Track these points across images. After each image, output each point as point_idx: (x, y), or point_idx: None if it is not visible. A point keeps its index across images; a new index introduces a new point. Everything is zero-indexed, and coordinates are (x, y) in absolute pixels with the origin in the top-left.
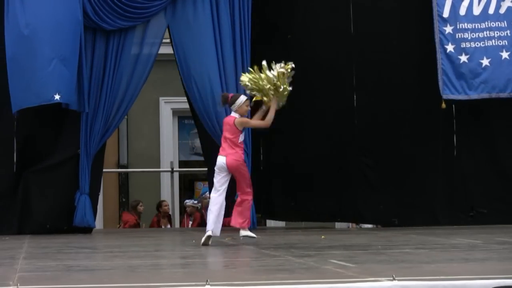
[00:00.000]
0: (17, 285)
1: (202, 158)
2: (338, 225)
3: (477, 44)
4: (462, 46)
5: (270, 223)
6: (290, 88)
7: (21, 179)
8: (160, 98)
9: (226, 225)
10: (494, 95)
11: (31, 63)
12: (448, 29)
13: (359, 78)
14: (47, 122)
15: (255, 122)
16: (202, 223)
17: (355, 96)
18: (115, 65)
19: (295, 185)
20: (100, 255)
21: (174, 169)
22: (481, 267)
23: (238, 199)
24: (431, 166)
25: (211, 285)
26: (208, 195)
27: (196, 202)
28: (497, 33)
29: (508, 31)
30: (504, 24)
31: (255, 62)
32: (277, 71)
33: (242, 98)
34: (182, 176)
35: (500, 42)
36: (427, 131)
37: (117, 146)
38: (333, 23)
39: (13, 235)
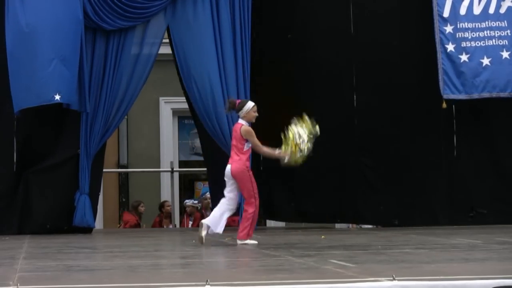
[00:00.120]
0: (17, 285)
1: (202, 158)
2: (338, 225)
3: (478, 44)
4: (462, 45)
5: (270, 223)
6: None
7: (21, 179)
8: (160, 98)
9: (226, 226)
10: (494, 94)
11: (31, 63)
12: (449, 28)
13: (359, 78)
14: (47, 122)
15: (257, 141)
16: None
17: (355, 96)
18: (115, 65)
19: (295, 186)
20: (100, 255)
21: (174, 169)
22: (481, 267)
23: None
24: (431, 166)
25: (211, 285)
26: (208, 195)
27: (196, 202)
28: (497, 33)
29: (509, 31)
30: (504, 23)
31: (255, 62)
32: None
33: (250, 104)
34: (182, 176)
35: (500, 42)
36: (427, 132)
37: (117, 146)
38: (333, 23)
39: (13, 235)
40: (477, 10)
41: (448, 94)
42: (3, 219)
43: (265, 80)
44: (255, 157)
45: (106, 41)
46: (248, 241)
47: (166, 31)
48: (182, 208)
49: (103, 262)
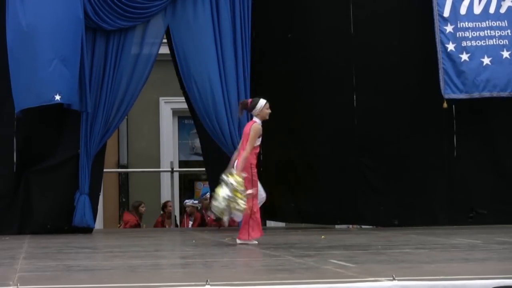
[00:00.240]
0: (17, 285)
1: (202, 158)
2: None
3: (478, 43)
4: (463, 44)
5: (270, 223)
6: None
7: (21, 179)
8: (160, 98)
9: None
10: (495, 94)
11: (31, 63)
12: (449, 28)
13: (359, 79)
14: (48, 122)
15: (253, 142)
16: (202, 223)
17: (355, 97)
18: (115, 65)
19: (295, 186)
20: (100, 255)
21: (174, 169)
22: (481, 267)
23: None
24: (431, 166)
25: (211, 285)
26: (208, 195)
27: (196, 202)
28: (497, 32)
29: (509, 31)
30: (504, 23)
31: (255, 62)
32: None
33: (262, 101)
34: (182, 176)
35: (501, 42)
36: (427, 132)
37: (117, 146)
38: (333, 23)
39: (13, 235)
40: (477, 9)
41: (449, 93)
42: (4, 219)
43: (265, 80)
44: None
45: (106, 41)
46: (249, 242)
47: (166, 31)
48: (182, 208)
49: (103, 262)
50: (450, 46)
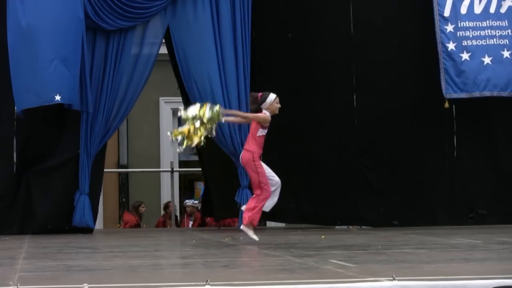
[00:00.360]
0: (17, 285)
1: None
2: None
3: (479, 42)
4: (463, 44)
5: (270, 223)
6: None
7: (22, 179)
8: (160, 98)
9: (226, 225)
10: (495, 93)
11: (32, 64)
12: (449, 27)
13: (359, 79)
14: (48, 122)
15: (252, 116)
16: (202, 223)
17: (355, 97)
18: (115, 65)
19: (295, 187)
20: (100, 255)
21: (174, 169)
22: (481, 267)
23: None
24: (431, 167)
25: (211, 285)
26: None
27: (196, 202)
28: (498, 32)
29: (509, 30)
30: (505, 23)
31: (255, 62)
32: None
33: (272, 95)
34: (182, 176)
35: (501, 41)
36: (427, 132)
37: (117, 146)
38: (333, 23)
39: (13, 235)
40: (477, 9)
41: (450, 93)
42: (4, 220)
43: (265, 80)
44: None
45: (106, 41)
46: (250, 233)
47: (166, 31)
48: (182, 208)
49: (103, 262)
50: (451, 46)
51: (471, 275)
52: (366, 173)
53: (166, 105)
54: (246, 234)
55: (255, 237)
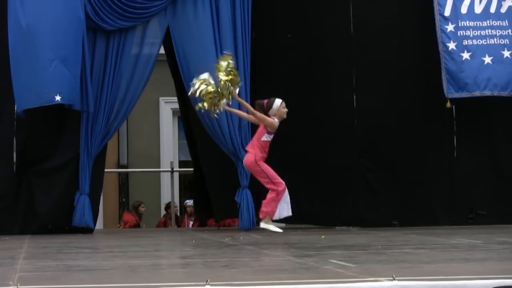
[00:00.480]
0: (17, 285)
1: None
2: None
3: (479, 42)
4: (464, 43)
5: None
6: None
7: (22, 179)
8: (160, 98)
9: (226, 225)
10: (496, 93)
11: (32, 64)
12: (450, 27)
13: (359, 79)
14: (48, 122)
15: (258, 114)
16: (202, 223)
17: (355, 97)
18: (115, 65)
19: (295, 187)
20: (100, 255)
21: (174, 169)
22: (481, 267)
23: None
24: (431, 167)
25: (211, 285)
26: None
27: None
28: (498, 32)
29: (510, 30)
30: (505, 23)
31: (255, 62)
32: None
33: (278, 101)
34: (182, 176)
35: (501, 41)
36: (427, 132)
37: (117, 146)
38: (333, 23)
39: (14, 235)
40: (478, 9)
41: (451, 93)
42: (5, 220)
43: (265, 80)
44: None
45: (107, 41)
46: (271, 227)
47: (166, 31)
48: (182, 208)
49: (103, 262)
50: (451, 45)
51: (471, 275)
52: (366, 173)
53: (166, 105)
54: (267, 230)
55: (278, 229)
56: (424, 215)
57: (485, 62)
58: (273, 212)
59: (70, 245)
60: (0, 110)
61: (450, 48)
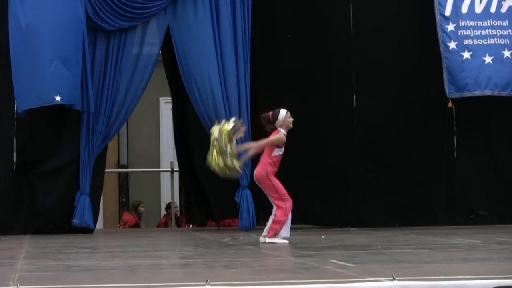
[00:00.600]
0: (17, 285)
1: None
2: None
3: (480, 41)
4: (464, 43)
5: None
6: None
7: (23, 179)
8: (160, 98)
9: (226, 225)
10: (496, 92)
11: (32, 64)
12: (450, 26)
13: (359, 79)
14: (49, 123)
15: (269, 145)
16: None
17: (355, 97)
18: (116, 65)
19: (294, 188)
20: (100, 255)
21: (174, 169)
22: (481, 267)
23: None
24: (431, 168)
25: (211, 285)
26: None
27: None
28: (499, 32)
29: (510, 30)
30: (506, 23)
31: (255, 62)
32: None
33: (283, 111)
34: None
35: (502, 41)
36: (427, 132)
37: (117, 146)
38: (333, 23)
39: (14, 235)
40: (478, 9)
41: (452, 93)
42: (5, 220)
43: (265, 80)
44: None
45: (107, 41)
46: (279, 241)
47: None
48: (182, 208)
49: (103, 262)
50: (452, 45)
51: (471, 275)
52: (366, 173)
53: (166, 105)
54: (273, 243)
55: (284, 241)
56: (424, 215)
57: (486, 62)
58: (278, 232)
59: (70, 245)
60: (0, 110)
61: (450, 48)
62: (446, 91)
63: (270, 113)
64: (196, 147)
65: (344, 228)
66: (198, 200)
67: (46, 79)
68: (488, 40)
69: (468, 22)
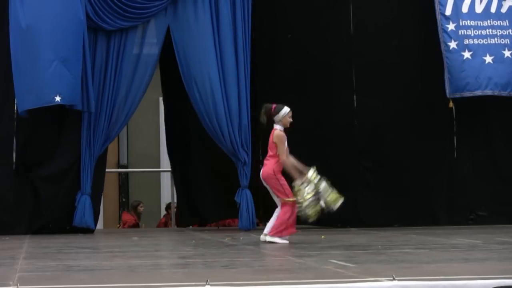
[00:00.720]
0: (17, 285)
1: None
2: None
3: (480, 41)
4: (465, 42)
5: None
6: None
7: (23, 179)
8: (160, 98)
9: (226, 225)
10: (496, 92)
11: (32, 65)
12: (451, 26)
13: (359, 79)
14: (49, 123)
15: (283, 149)
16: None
17: (355, 97)
18: (116, 65)
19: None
20: (100, 255)
21: None
22: (481, 267)
23: None
24: (431, 168)
25: (211, 285)
26: None
27: None
28: (499, 32)
29: (510, 30)
30: (506, 23)
31: (256, 62)
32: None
33: (286, 109)
34: None
35: (502, 41)
36: (427, 133)
37: (117, 146)
38: (333, 23)
39: (15, 235)
40: (479, 8)
41: (453, 93)
42: (5, 220)
43: (265, 81)
44: (255, 159)
45: (107, 41)
46: (278, 241)
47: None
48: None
49: (103, 262)
50: (452, 44)
51: (471, 275)
52: (366, 173)
53: None
54: (273, 243)
55: (284, 241)
56: (425, 216)
57: (486, 62)
58: (281, 232)
59: (70, 245)
60: (0, 110)
61: (451, 47)
62: (447, 91)
63: (274, 105)
64: (194, 148)
65: (344, 228)
66: (189, 201)
67: (46, 80)
68: (489, 40)
69: (468, 21)
